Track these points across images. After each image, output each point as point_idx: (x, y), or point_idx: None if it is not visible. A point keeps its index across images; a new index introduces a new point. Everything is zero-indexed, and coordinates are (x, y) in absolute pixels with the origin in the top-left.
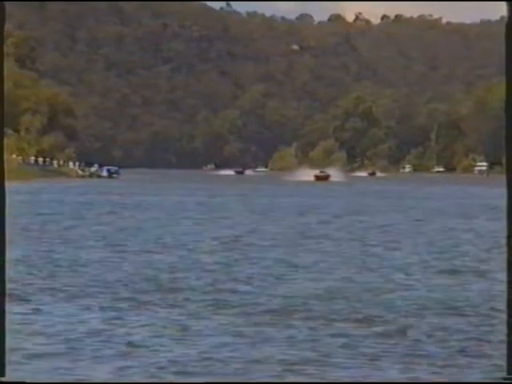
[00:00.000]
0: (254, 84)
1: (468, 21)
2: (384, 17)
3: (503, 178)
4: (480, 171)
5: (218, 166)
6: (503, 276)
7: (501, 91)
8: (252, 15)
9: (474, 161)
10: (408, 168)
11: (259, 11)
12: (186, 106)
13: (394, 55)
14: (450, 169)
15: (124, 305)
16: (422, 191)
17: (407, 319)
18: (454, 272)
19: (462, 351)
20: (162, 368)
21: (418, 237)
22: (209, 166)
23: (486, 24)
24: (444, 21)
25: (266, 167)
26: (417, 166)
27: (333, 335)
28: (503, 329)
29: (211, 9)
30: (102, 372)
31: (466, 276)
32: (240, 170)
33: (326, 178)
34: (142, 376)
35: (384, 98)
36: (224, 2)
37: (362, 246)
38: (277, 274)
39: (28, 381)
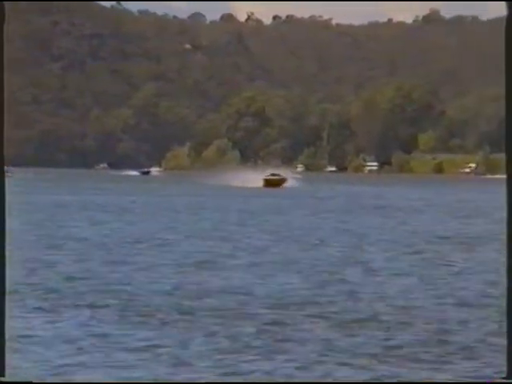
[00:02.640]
0: (146, 83)
1: (357, 22)
2: (276, 17)
3: (393, 177)
4: (370, 171)
5: (111, 165)
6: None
7: (389, 92)
8: (144, 14)
9: (365, 160)
10: (300, 168)
11: (151, 10)
12: (77, 104)
13: (286, 55)
14: (342, 168)
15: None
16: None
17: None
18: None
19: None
20: None
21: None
22: (101, 165)
23: (373, 26)
24: (334, 22)
25: (160, 166)
26: (309, 166)
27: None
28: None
29: (102, 7)
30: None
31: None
32: (146, 170)
33: (279, 182)
34: None
35: (276, 98)
36: (114, 2)
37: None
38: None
39: (28, 381)
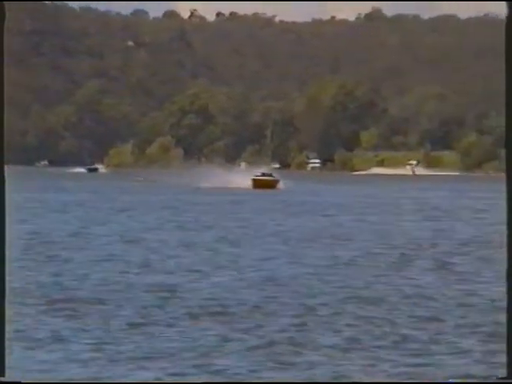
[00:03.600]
0: (88, 80)
1: (300, 20)
2: (219, 14)
3: (335, 175)
4: (313, 168)
5: (52, 163)
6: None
7: (332, 89)
8: (86, 10)
9: (308, 158)
10: (243, 165)
11: (93, 6)
12: (18, 100)
13: (229, 52)
14: (285, 165)
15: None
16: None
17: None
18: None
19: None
20: None
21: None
22: (42, 163)
23: (317, 23)
24: (277, 19)
25: (103, 164)
26: (253, 163)
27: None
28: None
29: (42, 3)
30: None
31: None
32: (93, 167)
33: (271, 184)
34: None
35: (220, 95)
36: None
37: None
38: None
39: (27, 381)
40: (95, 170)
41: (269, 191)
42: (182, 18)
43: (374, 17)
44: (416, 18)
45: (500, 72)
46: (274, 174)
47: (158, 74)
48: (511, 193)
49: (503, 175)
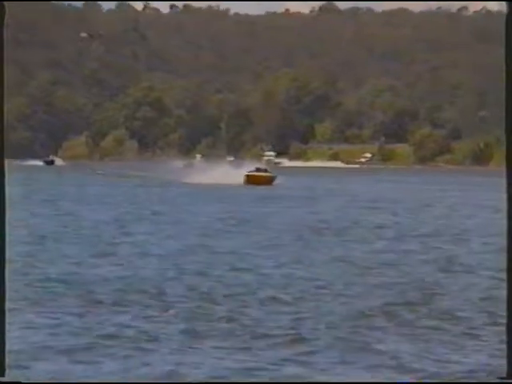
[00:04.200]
0: (41, 71)
1: (254, 13)
2: (173, 6)
3: (290, 168)
4: (268, 160)
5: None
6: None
7: (286, 82)
8: (38, 1)
9: (262, 150)
10: (198, 157)
11: None
12: None
13: (184, 45)
14: (241, 158)
15: None
16: None
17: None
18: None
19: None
20: None
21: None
22: None
23: (271, 16)
24: (232, 12)
25: (56, 156)
26: (208, 156)
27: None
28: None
29: None
30: None
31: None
32: (50, 159)
33: (267, 180)
34: None
35: (174, 88)
36: None
37: None
38: None
39: (27, 381)
40: (52, 162)
41: (264, 188)
42: (136, 10)
43: (328, 10)
44: (370, 11)
45: (452, 65)
46: (268, 170)
47: (112, 66)
48: (511, 191)
49: (456, 168)
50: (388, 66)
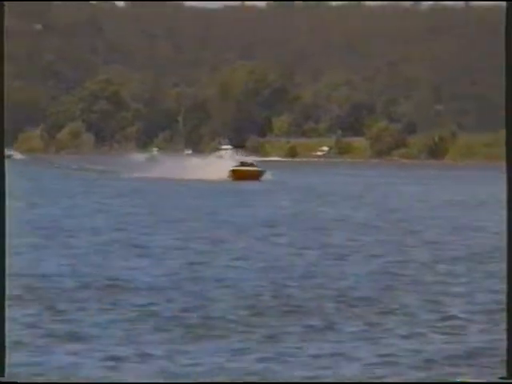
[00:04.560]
0: None
1: (210, 6)
2: None
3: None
4: (226, 154)
5: None
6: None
7: (243, 75)
8: None
9: (220, 144)
10: (156, 151)
11: None
12: None
13: (141, 38)
14: (199, 151)
15: None
16: None
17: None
18: None
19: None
20: None
21: None
22: None
23: (227, 9)
24: (188, 4)
25: (13, 149)
26: (166, 150)
27: None
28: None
29: None
30: None
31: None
32: (7, 153)
33: (255, 174)
34: None
35: (132, 81)
36: None
37: None
38: None
39: (27, 381)
40: (9, 156)
41: (251, 184)
42: (92, 3)
43: (284, 3)
44: (326, 4)
45: (408, 59)
46: (255, 163)
47: (68, 59)
48: (511, 190)
49: (410, 162)
50: (344, 60)
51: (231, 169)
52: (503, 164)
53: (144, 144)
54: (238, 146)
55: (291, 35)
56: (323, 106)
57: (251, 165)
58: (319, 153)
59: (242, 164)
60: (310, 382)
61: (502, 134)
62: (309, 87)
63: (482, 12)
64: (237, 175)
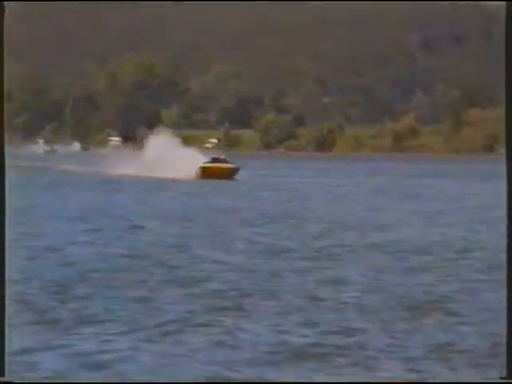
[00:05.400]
0: None
1: None
2: None
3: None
4: (115, 146)
5: None
6: None
7: (131, 67)
8: None
9: (109, 135)
10: (41, 143)
11: None
12: None
13: (27, 28)
14: (86, 143)
15: None
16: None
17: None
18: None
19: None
20: None
21: None
22: None
23: (115, 2)
24: None
25: None
26: (53, 142)
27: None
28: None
29: None
30: None
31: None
32: None
33: (228, 172)
34: None
35: (18, 72)
36: None
37: None
38: None
39: (26, 381)
40: None
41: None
42: None
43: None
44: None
45: (295, 52)
46: (228, 159)
47: None
48: (511, 190)
49: (298, 154)
50: (231, 53)
51: (201, 166)
52: (389, 155)
53: (31, 135)
54: (127, 137)
55: (176, 27)
56: (211, 97)
57: (224, 161)
58: (208, 145)
59: (213, 160)
60: (310, 382)
61: (388, 125)
62: (198, 79)
63: (366, 5)
64: (207, 173)
